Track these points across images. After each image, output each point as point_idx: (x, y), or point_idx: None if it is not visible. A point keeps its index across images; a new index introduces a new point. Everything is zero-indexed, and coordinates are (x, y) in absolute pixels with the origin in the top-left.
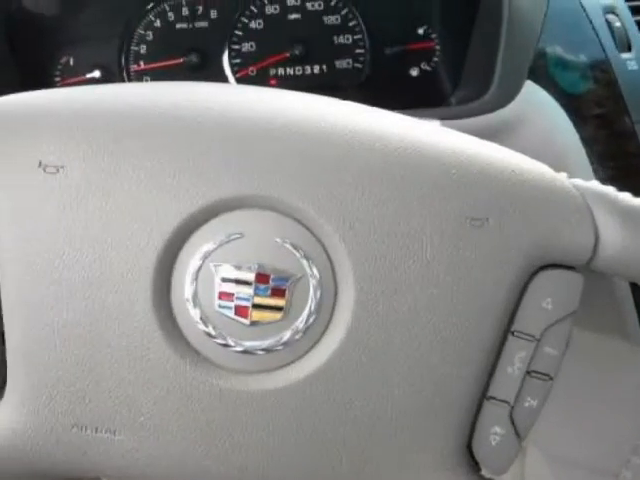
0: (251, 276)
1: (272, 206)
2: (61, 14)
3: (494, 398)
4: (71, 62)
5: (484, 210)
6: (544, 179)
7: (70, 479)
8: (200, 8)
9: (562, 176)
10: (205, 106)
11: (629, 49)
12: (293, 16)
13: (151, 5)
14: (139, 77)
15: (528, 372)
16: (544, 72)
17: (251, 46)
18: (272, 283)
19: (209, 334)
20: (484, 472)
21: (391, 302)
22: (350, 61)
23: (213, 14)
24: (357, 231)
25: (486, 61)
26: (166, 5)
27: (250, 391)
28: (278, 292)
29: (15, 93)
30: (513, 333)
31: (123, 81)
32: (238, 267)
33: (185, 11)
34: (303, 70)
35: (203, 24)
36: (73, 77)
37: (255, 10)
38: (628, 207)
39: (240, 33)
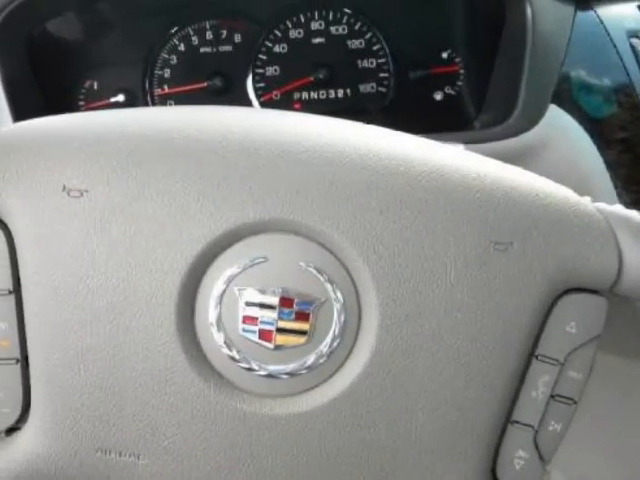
0: (275, 300)
1: (296, 230)
2: (85, 38)
3: (518, 422)
4: (95, 86)
5: (508, 234)
6: (568, 203)
7: None
8: (224, 32)
9: (586, 200)
10: (229, 130)
11: None
12: (317, 40)
13: (175, 29)
14: (163, 101)
15: (552, 396)
16: (568, 96)
17: (275, 70)
18: (296, 307)
19: (233, 358)
20: None
21: (415, 326)
22: (374, 85)
23: (237, 38)
24: (381, 255)
25: (510, 85)
26: (190, 29)
27: (274, 415)
28: (302, 316)
29: (39, 117)
30: (537, 357)
31: (147, 105)
32: (262, 291)
33: (209, 35)
34: (327, 94)
35: (227, 48)
36: (97, 101)
37: (279, 34)
38: None
39: (264, 57)
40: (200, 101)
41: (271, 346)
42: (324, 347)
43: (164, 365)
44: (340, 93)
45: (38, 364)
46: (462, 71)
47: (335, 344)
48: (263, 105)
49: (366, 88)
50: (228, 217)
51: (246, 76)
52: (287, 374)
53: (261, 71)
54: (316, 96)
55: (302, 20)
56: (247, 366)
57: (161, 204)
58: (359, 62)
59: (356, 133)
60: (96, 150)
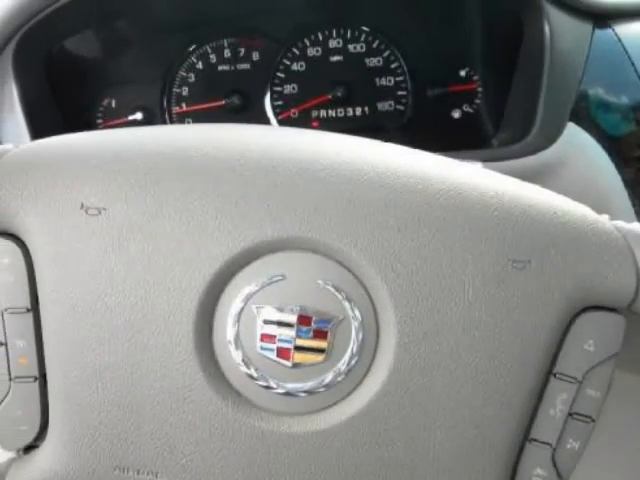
0: (293, 318)
1: (314, 248)
2: (103, 56)
3: (536, 440)
4: (113, 104)
5: (526, 252)
6: (586, 221)
7: None
8: (242, 50)
9: (604, 218)
10: (247, 148)
11: None
12: (335, 58)
13: (193, 47)
14: (181, 119)
15: (570, 414)
16: (586, 114)
17: (293, 88)
18: (314, 325)
19: (251, 376)
20: None
21: (433, 344)
22: (392, 103)
23: (255, 56)
24: (399, 273)
25: (528, 103)
26: (208, 47)
27: (292, 433)
28: (320, 334)
29: (57, 135)
30: (555, 375)
31: (165, 123)
32: (280, 309)
33: (227, 53)
34: (345, 112)
35: (245, 66)
36: (115, 119)
37: (297, 52)
38: None
39: (282, 75)
40: (218, 119)
41: (289, 364)
42: (342, 365)
43: (182, 383)
44: (358, 111)
45: (56, 382)
46: (480, 89)
47: (353, 362)
48: (281, 123)
49: (384, 106)
50: (246, 235)
51: (264, 94)
52: (305, 392)
53: (279, 89)
54: (334, 114)
55: (320, 38)
56: (265, 384)
57: (179, 222)
58: (377, 80)
59: (374, 151)
60: (114, 168)
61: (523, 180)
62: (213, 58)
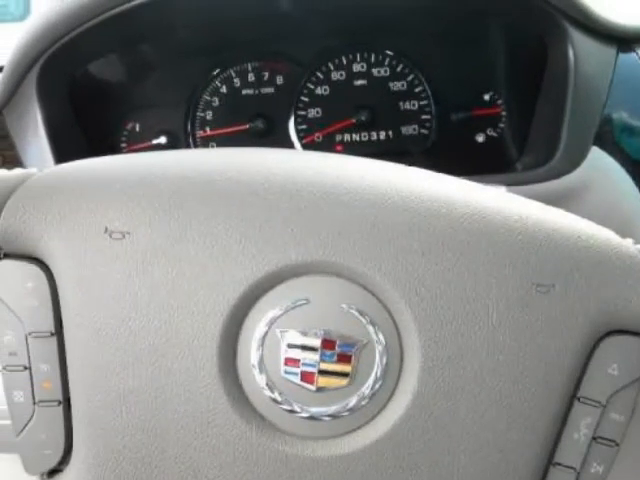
0: (317, 342)
1: (338, 272)
2: (127, 80)
3: (560, 464)
4: (137, 128)
5: (550, 276)
6: (610, 245)
7: None
8: (266, 74)
9: (628, 242)
10: (271, 172)
11: None
12: (359, 82)
13: (217, 71)
14: (205, 143)
15: (594, 438)
16: (610, 138)
17: (317, 112)
18: (338, 349)
19: (275, 400)
20: None
21: (457, 368)
22: (416, 127)
23: (279, 80)
24: (423, 297)
25: (552, 127)
26: (232, 71)
27: (316, 457)
28: (344, 358)
29: (81, 159)
30: (579, 399)
31: (189, 147)
32: (304, 333)
33: (251, 77)
34: (369, 136)
35: (269, 90)
36: (139, 143)
37: (321, 76)
38: None
39: (306, 99)
40: (242, 143)
41: (313, 388)
42: (366, 389)
43: (206, 407)
44: (382, 135)
45: (80, 406)
46: (504, 113)
47: (377, 386)
48: (305, 147)
49: (408, 130)
50: (270, 259)
51: (288, 118)
52: (329, 416)
53: (303, 113)
54: (358, 138)
55: (344, 62)
56: (289, 408)
57: (203, 246)
58: (401, 104)
59: (398, 175)
60: (138, 192)
61: (547, 204)
62: (237, 82)
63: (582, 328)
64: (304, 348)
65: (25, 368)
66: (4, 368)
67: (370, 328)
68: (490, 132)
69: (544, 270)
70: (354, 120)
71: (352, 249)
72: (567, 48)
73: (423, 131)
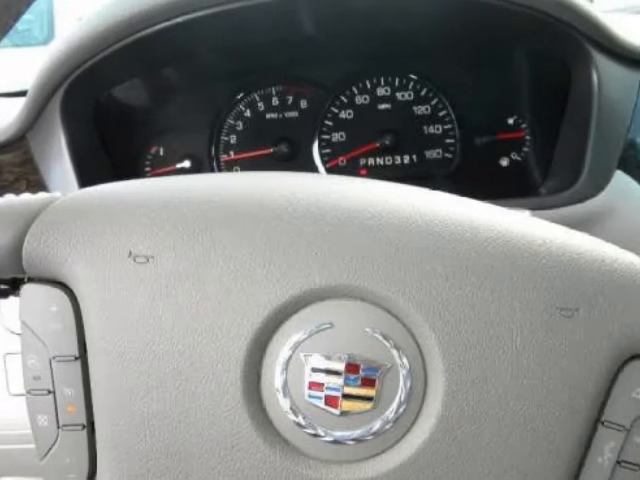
0: (341, 366)
1: (362, 296)
2: (151, 104)
3: None
4: (161, 152)
5: (574, 300)
6: (634, 269)
7: None
8: (290, 98)
9: None
10: (295, 196)
11: None
12: (383, 106)
13: (241, 95)
14: (229, 167)
15: (618, 462)
16: (634, 162)
17: (341, 136)
18: (362, 373)
19: (299, 424)
20: None
21: (481, 392)
22: (440, 151)
23: (303, 104)
24: (447, 321)
25: (576, 151)
26: (256, 95)
27: None
28: (368, 382)
29: (105, 183)
30: (603, 423)
31: (213, 171)
32: (328, 357)
33: (275, 101)
34: (393, 160)
35: (293, 114)
36: (163, 167)
37: (345, 100)
38: None
39: (330, 123)
40: (266, 167)
41: (337, 412)
42: (390, 413)
43: (230, 431)
44: (406, 159)
45: (104, 430)
46: (528, 137)
47: (401, 410)
48: (329, 171)
49: (432, 154)
50: (294, 283)
51: (312, 142)
52: (353, 440)
53: (327, 137)
54: (382, 162)
55: (368, 86)
56: (313, 432)
57: (227, 270)
58: (425, 128)
59: (422, 199)
60: (162, 216)
61: (571, 228)
62: (261, 106)
63: (606, 352)
64: (328, 372)
65: (49, 392)
66: (28, 392)
67: (394, 352)
68: (514, 156)
69: (568, 294)
70: (378, 144)
71: (376, 273)
72: (591, 72)
73: (447, 155)
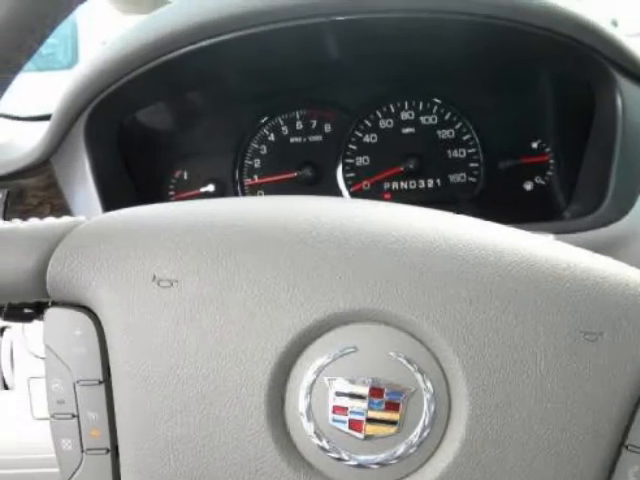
0: (365, 390)
1: (386, 320)
2: (175, 128)
3: None
4: (185, 176)
5: (598, 324)
6: None
7: None
8: (314, 122)
9: None
10: (319, 220)
11: None
12: (407, 130)
13: (265, 119)
14: (253, 191)
15: None
16: None
17: (365, 160)
18: (386, 397)
19: (323, 448)
20: None
21: (505, 416)
22: (464, 175)
23: (327, 128)
24: (471, 345)
25: (600, 175)
26: (280, 119)
27: None
28: (392, 406)
29: (129, 207)
30: (627, 447)
31: (237, 195)
32: (352, 381)
33: (299, 125)
34: (417, 184)
35: (317, 138)
36: (187, 191)
37: (369, 124)
38: None
39: (354, 147)
40: (290, 191)
41: (361, 436)
42: (414, 437)
43: (254, 455)
44: (430, 183)
45: (128, 454)
46: (552, 161)
47: (425, 434)
48: (353, 195)
49: (456, 178)
50: (318, 307)
51: (336, 166)
52: (377, 464)
53: (351, 161)
54: (406, 186)
55: (392, 110)
56: (337, 456)
57: (251, 294)
58: (449, 152)
59: (446, 223)
60: (186, 240)
61: (595, 252)
62: (285, 130)
63: (630, 376)
64: (352, 396)
65: (73, 416)
66: (52, 416)
67: (418, 376)
68: (538, 180)
69: (592, 318)
70: (402, 168)
71: (400, 297)
72: (615, 96)
73: (471, 179)
